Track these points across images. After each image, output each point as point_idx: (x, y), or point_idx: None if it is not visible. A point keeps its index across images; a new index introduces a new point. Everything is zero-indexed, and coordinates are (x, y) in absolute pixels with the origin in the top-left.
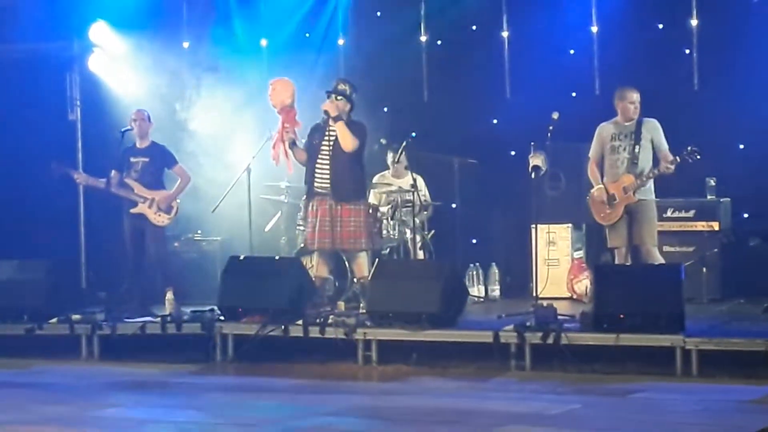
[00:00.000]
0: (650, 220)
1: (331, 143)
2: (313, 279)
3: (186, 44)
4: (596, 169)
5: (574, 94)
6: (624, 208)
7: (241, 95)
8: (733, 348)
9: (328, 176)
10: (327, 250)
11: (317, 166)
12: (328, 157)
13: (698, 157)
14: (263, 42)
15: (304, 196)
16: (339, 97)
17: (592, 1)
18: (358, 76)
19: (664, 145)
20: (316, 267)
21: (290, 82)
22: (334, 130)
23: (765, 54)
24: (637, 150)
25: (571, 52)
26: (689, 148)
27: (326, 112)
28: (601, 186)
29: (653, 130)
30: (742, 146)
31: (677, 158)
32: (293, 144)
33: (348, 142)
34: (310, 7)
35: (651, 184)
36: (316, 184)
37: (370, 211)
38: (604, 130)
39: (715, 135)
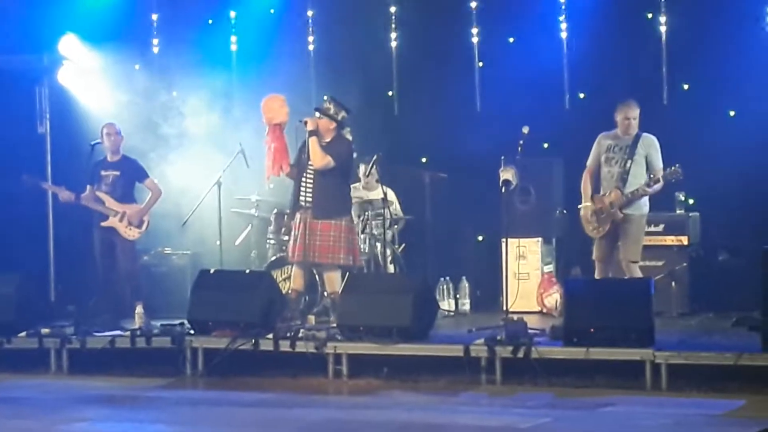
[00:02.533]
0: (634, 236)
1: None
2: (290, 292)
3: (156, 49)
4: (589, 181)
5: (582, 95)
6: (611, 223)
7: (212, 108)
8: (702, 362)
9: (311, 192)
10: (305, 263)
11: (302, 181)
12: (312, 174)
13: (681, 177)
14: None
15: (275, 210)
16: (319, 115)
17: (563, 16)
18: (327, 88)
19: (659, 163)
20: (293, 280)
21: (281, 99)
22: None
23: (734, 69)
24: (628, 165)
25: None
26: (671, 168)
27: (304, 124)
28: (588, 204)
29: (649, 146)
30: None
31: (659, 177)
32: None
33: (317, 158)
34: (280, 17)
35: (646, 199)
36: (300, 198)
37: (353, 229)
38: (603, 141)
39: (684, 149)
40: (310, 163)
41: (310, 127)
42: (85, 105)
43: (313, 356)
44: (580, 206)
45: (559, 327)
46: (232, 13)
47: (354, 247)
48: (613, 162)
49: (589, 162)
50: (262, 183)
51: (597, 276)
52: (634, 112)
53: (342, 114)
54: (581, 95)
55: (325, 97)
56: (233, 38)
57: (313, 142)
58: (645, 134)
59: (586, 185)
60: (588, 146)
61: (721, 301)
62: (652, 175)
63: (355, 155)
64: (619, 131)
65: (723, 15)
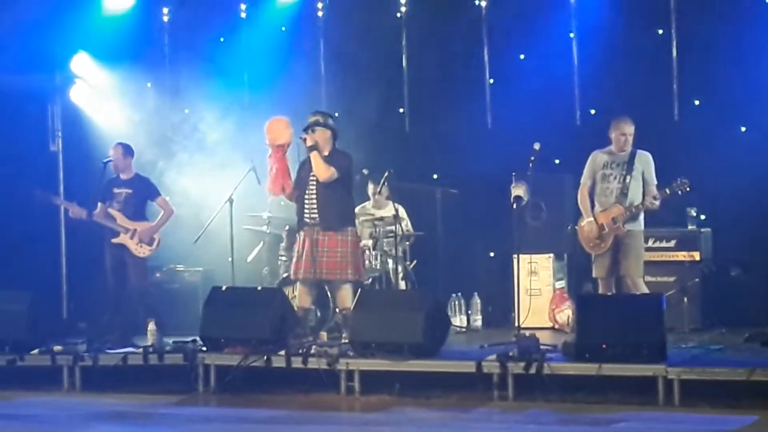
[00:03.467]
0: (637, 251)
1: (316, 176)
2: (296, 309)
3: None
4: (586, 197)
5: (593, 111)
6: (613, 239)
7: (223, 126)
8: (715, 378)
9: (315, 207)
10: (311, 280)
11: (306, 198)
12: (314, 188)
13: (688, 189)
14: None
15: (287, 227)
16: (313, 130)
17: (573, 33)
18: (338, 105)
19: (653, 180)
20: (299, 297)
21: (285, 121)
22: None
23: (745, 85)
24: (628, 180)
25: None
26: (678, 181)
27: (304, 140)
28: (591, 219)
29: (645, 163)
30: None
31: (667, 191)
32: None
33: (321, 171)
34: (291, 35)
35: (641, 215)
36: (305, 215)
37: (358, 241)
38: (598, 157)
39: (696, 165)
40: (312, 176)
41: (309, 142)
42: (97, 123)
43: (326, 373)
44: (582, 223)
45: (571, 343)
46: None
47: (360, 260)
48: (611, 178)
49: (584, 179)
50: (273, 200)
51: (600, 293)
52: (630, 128)
53: (330, 119)
54: (592, 111)
55: (311, 114)
56: (245, 56)
57: (315, 156)
58: (640, 151)
59: (584, 202)
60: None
61: (734, 316)
62: (666, 189)
63: (366, 172)
64: (614, 148)
65: (734, 30)
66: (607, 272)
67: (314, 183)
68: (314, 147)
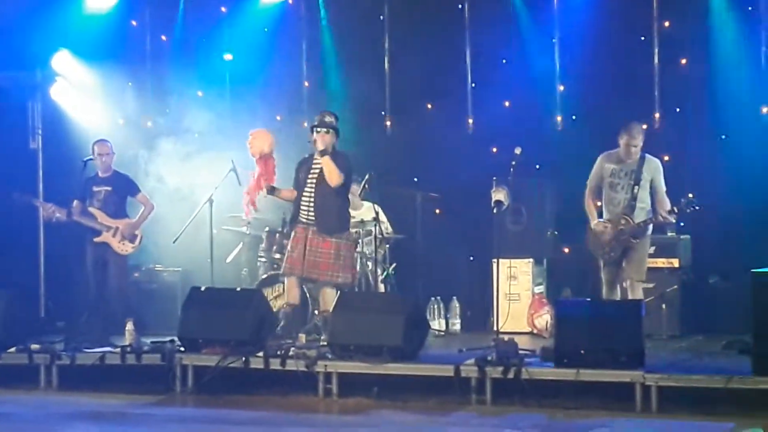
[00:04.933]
0: (641, 258)
1: (315, 176)
2: (285, 306)
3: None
4: (590, 201)
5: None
6: (621, 250)
7: (204, 126)
8: (692, 384)
9: (313, 209)
10: (300, 277)
11: (303, 199)
12: (312, 190)
13: (697, 208)
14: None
15: (267, 228)
16: (328, 130)
17: (555, 38)
18: (320, 108)
19: (663, 187)
20: (288, 293)
21: (269, 134)
22: (318, 163)
23: (725, 93)
24: (636, 190)
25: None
26: (688, 198)
27: (315, 142)
28: (599, 221)
29: (654, 170)
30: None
31: (675, 209)
32: (272, 190)
33: (334, 176)
34: (274, 37)
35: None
36: (302, 215)
37: (352, 247)
38: (605, 163)
39: (676, 172)
40: (310, 178)
41: (320, 146)
42: (78, 121)
43: (304, 375)
44: (591, 225)
45: (550, 348)
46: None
47: (353, 264)
48: (618, 188)
49: (589, 181)
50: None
51: (605, 297)
52: (637, 140)
53: (336, 120)
54: (573, 117)
55: (323, 112)
56: (227, 56)
57: (327, 161)
58: (648, 157)
59: (589, 206)
60: (581, 168)
61: (712, 323)
62: (675, 208)
63: None
64: (622, 154)
65: (715, 39)
66: (612, 278)
67: (313, 185)
68: (326, 151)
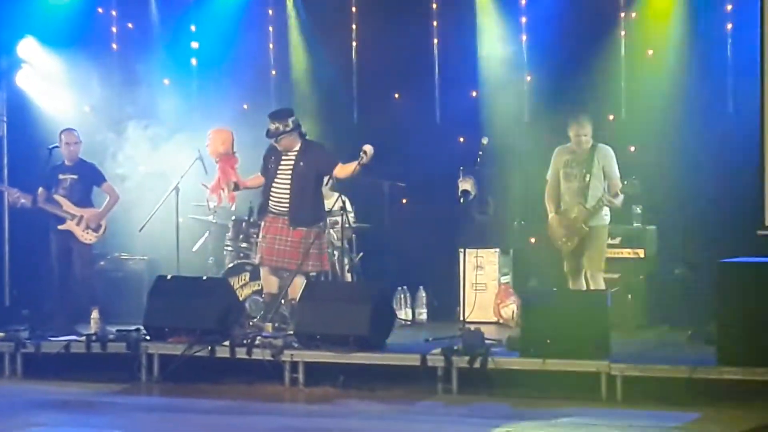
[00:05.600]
0: (597, 246)
1: (291, 169)
2: (264, 296)
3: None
4: (550, 193)
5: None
6: (578, 239)
7: (171, 114)
8: (657, 374)
9: (287, 199)
10: (275, 267)
11: (273, 188)
12: (288, 181)
13: (637, 190)
14: (193, 61)
15: (233, 217)
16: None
17: (522, 30)
18: (286, 97)
19: (615, 173)
20: (265, 283)
21: (228, 132)
22: (293, 153)
23: (691, 82)
24: (588, 179)
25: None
26: (628, 181)
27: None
28: (554, 215)
29: (605, 157)
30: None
31: (618, 191)
32: (236, 186)
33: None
34: (241, 25)
35: (606, 210)
36: (271, 205)
37: (323, 237)
38: (559, 155)
39: (642, 163)
40: (281, 166)
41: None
42: (44, 108)
43: (270, 364)
44: (549, 218)
45: (516, 338)
46: (192, 27)
47: (323, 253)
48: (572, 177)
49: (549, 175)
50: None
51: (571, 288)
52: (585, 129)
53: (291, 118)
54: (541, 107)
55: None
56: (194, 44)
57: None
58: (600, 146)
59: (548, 198)
60: (546, 158)
61: (677, 314)
62: (611, 188)
63: None
64: (574, 145)
65: (682, 30)
66: (573, 269)
67: (288, 177)
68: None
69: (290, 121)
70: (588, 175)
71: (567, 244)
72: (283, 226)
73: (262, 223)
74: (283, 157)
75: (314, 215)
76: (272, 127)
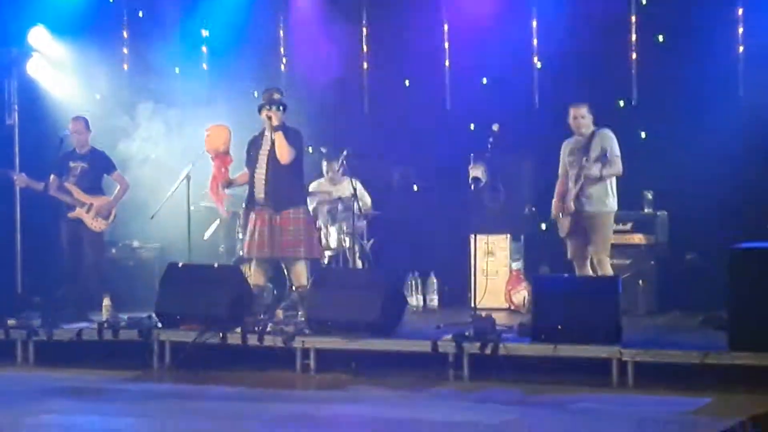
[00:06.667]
0: (602, 231)
1: (267, 153)
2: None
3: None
4: (559, 187)
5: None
6: (571, 221)
7: (182, 102)
8: (668, 360)
9: (263, 186)
10: (265, 258)
11: (255, 176)
12: (264, 168)
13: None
14: (203, 48)
15: (244, 205)
16: (278, 107)
17: (533, 15)
18: (299, 84)
19: (615, 153)
20: (253, 275)
21: (225, 128)
22: (269, 140)
23: (702, 69)
24: (584, 162)
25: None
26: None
27: (269, 118)
28: (555, 202)
29: (604, 139)
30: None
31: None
32: (229, 184)
33: (285, 153)
34: (251, 12)
35: (607, 195)
36: (255, 194)
37: (311, 219)
38: (565, 146)
39: (654, 148)
40: (262, 155)
41: (275, 122)
42: (54, 97)
43: (281, 350)
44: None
45: (527, 324)
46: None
47: (314, 237)
48: (574, 164)
49: (559, 168)
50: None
51: (577, 273)
52: (581, 111)
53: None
54: (551, 93)
55: (270, 90)
56: (204, 32)
57: (280, 137)
58: (600, 130)
59: (556, 191)
60: (557, 145)
61: (688, 300)
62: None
63: (324, 150)
64: (574, 130)
65: (692, 15)
66: (573, 255)
67: (264, 162)
68: (280, 127)
69: (284, 100)
70: (585, 159)
71: (562, 228)
72: (268, 217)
73: (251, 216)
74: (262, 145)
75: (291, 198)
76: (275, 96)
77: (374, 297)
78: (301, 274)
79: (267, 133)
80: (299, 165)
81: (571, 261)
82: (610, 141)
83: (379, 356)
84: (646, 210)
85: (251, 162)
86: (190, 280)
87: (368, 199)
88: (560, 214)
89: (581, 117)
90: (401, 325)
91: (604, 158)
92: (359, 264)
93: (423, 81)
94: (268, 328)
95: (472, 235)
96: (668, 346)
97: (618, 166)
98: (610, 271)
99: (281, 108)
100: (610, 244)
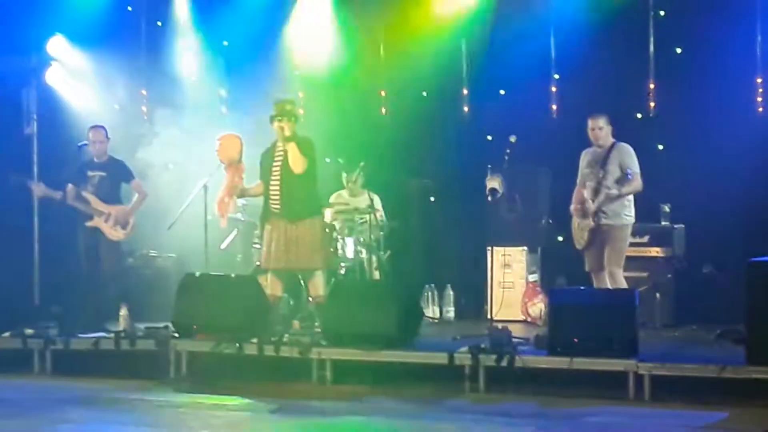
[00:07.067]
0: (617, 243)
1: (280, 164)
2: (315, 299)
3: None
4: (577, 196)
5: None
6: (589, 233)
7: (200, 110)
8: (685, 374)
9: (278, 197)
10: (281, 269)
11: (271, 189)
12: (278, 179)
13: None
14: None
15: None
16: (290, 119)
17: (551, 28)
18: (317, 93)
19: (636, 170)
20: (270, 286)
21: (237, 138)
22: (281, 151)
23: (720, 81)
24: (601, 175)
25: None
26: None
27: (282, 129)
28: (574, 215)
29: (622, 154)
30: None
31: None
32: (242, 193)
33: (298, 163)
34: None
35: (624, 207)
36: (270, 206)
37: (327, 229)
38: (584, 157)
39: (671, 161)
40: (275, 166)
41: (287, 132)
42: (73, 106)
43: (298, 361)
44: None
45: (544, 336)
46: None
47: (329, 248)
48: (591, 176)
49: (578, 178)
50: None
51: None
52: (599, 122)
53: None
54: (568, 105)
55: (282, 101)
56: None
57: (293, 147)
58: (619, 144)
59: (574, 201)
60: (574, 156)
61: (706, 313)
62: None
63: (341, 161)
64: (593, 142)
65: (711, 28)
66: (591, 267)
67: (278, 173)
68: (292, 138)
69: (296, 111)
70: (602, 172)
71: (580, 241)
72: (284, 228)
73: (267, 227)
74: (276, 155)
75: (305, 209)
76: (287, 107)
77: (391, 309)
78: (318, 285)
79: (279, 144)
80: (313, 174)
81: (589, 273)
82: (629, 158)
83: (395, 368)
84: (663, 223)
85: (265, 174)
86: (207, 290)
87: (383, 213)
88: (578, 222)
89: (598, 128)
90: (417, 337)
91: (624, 179)
92: (376, 275)
93: (441, 91)
94: (285, 339)
95: (489, 247)
96: (685, 359)
97: (637, 183)
98: (623, 284)
99: (293, 119)
100: (626, 257)
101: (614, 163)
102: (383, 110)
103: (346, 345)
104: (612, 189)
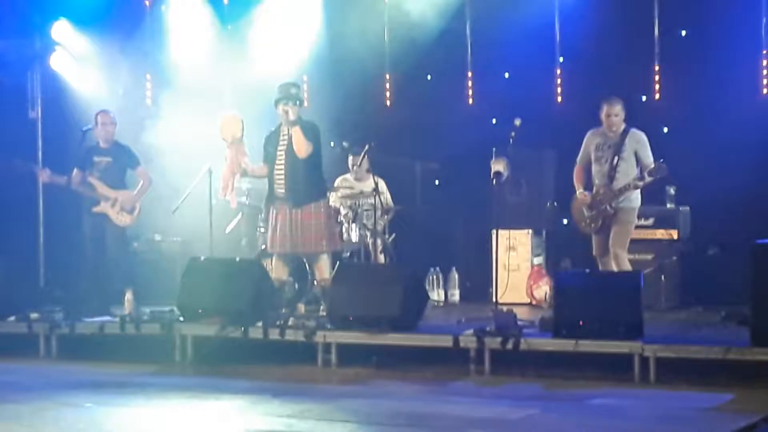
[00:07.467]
0: (623, 225)
1: (285, 148)
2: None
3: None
4: (580, 175)
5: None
6: (602, 219)
7: (204, 96)
8: (690, 355)
9: (283, 181)
10: (286, 253)
11: (276, 173)
12: (283, 163)
13: (665, 173)
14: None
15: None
16: (295, 102)
17: (555, 10)
18: (323, 77)
19: (649, 158)
20: (275, 270)
21: (239, 118)
22: (286, 135)
23: (725, 63)
24: (616, 161)
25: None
26: (656, 165)
27: (286, 113)
28: (583, 191)
29: (637, 142)
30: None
31: (647, 176)
32: (245, 172)
33: (302, 148)
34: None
35: (636, 193)
36: (275, 190)
37: (332, 212)
38: (591, 138)
39: (676, 144)
40: (280, 150)
41: (292, 116)
42: (77, 90)
43: (303, 345)
44: (576, 193)
45: (549, 319)
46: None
47: (335, 231)
48: (602, 160)
49: (579, 158)
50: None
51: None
52: (615, 109)
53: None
54: (573, 88)
55: (287, 84)
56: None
57: (297, 132)
58: (633, 130)
59: (577, 180)
60: (579, 139)
61: (711, 295)
62: (642, 172)
63: (346, 145)
64: (606, 128)
65: (716, 10)
66: (600, 251)
67: (283, 157)
68: (297, 122)
69: (301, 94)
70: (616, 158)
71: (591, 225)
72: (290, 211)
73: (272, 211)
74: (280, 139)
75: (311, 193)
76: (292, 91)
77: (396, 292)
78: (323, 268)
79: (284, 127)
80: (317, 158)
81: (595, 256)
82: (642, 146)
83: (400, 351)
84: (668, 205)
85: (269, 157)
86: (212, 274)
87: (389, 197)
88: (589, 211)
89: (614, 115)
90: (422, 319)
91: (641, 175)
92: (381, 259)
93: (446, 75)
94: (290, 323)
95: (494, 230)
96: (690, 341)
97: (664, 170)
98: (627, 266)
99: (298, 102)
100: (631, 239)
101: (629, 151)
102: (388, 94)
103: (350, 328)
104: (640, 182)
